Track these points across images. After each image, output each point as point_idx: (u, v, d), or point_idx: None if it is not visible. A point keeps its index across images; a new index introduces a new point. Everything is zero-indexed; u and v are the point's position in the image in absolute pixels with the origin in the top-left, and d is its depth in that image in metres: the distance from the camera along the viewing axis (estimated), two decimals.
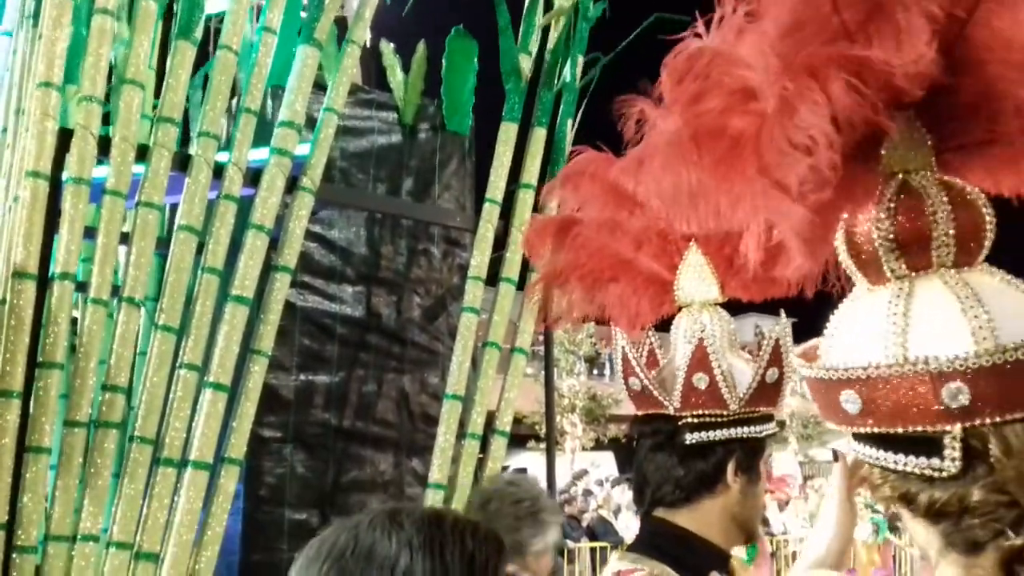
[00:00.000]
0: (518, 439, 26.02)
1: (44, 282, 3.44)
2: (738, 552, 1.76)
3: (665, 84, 1.19)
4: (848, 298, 1.13)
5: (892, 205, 1.07)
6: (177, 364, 3.66)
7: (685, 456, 1.64)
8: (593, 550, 11.76)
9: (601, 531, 12.69)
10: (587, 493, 14.77)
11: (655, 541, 1.64)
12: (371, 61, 5.86)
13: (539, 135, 4.94)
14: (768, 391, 1.66)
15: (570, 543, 11.89)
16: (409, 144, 5.09)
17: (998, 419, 0.94)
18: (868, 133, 1.08)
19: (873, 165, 1.12)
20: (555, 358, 21.06)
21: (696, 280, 1.78)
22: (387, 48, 5.25)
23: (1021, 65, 1.07)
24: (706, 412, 1.64)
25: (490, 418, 4.75)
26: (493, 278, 4.84)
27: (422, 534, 0.99)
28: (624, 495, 14.27)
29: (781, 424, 23.50)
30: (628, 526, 12.96)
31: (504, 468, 18.41)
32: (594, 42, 5.39)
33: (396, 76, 5.19)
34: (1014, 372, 0.93)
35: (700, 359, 1.64)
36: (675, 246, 1.82)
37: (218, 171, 3.93)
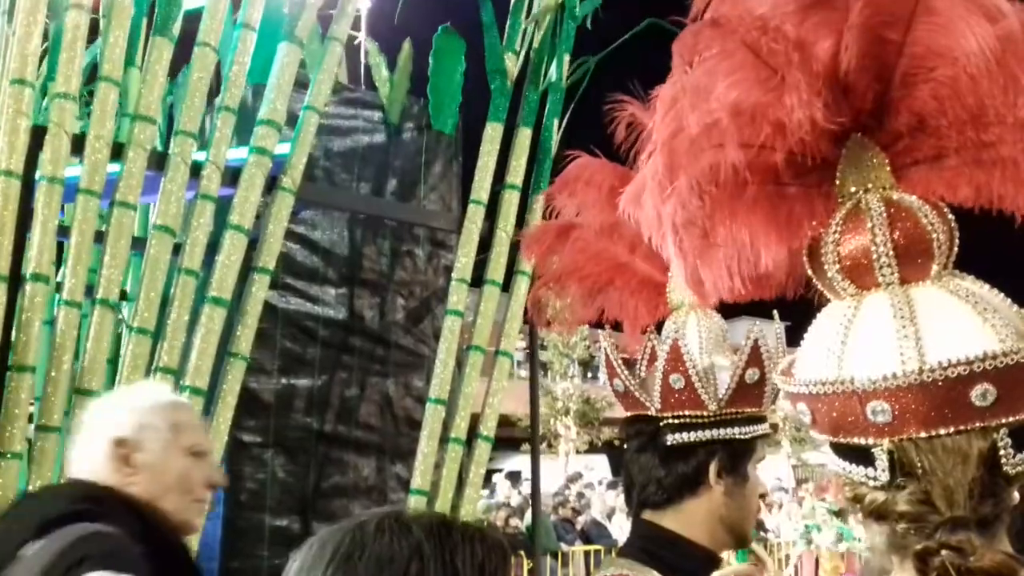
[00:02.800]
0: (512, 442, 25.87)
1: (16, 283, 3.36)
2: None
3: (654, 117, 1.24)
4: (823, 310, 1.17)
5: (838, 228, 1.11)
6: (152, 367, 3.58)
7: (667, 457, 1.63)
8: (587, 553, 11.68)
9: (595, 534, 12.57)
10: (580, 496, 14.70)
11: (644, 544, 1.63)
12: (358, 60, 5.79)
13: (524, 135, 4.88)
14: (749, 392, 1.64)
15: (564, 546, 11.82)
16: (394, 144, 5.02)
17: (923, 434, 0.99)
18: (823, 159, 1.14)
19: (827, 188, 1.17)
20: (549, 361, 21.05)
21: (681, 287, 1.77)
22: (372, 46, 5.19)
23: (953, 80, 1.10)
24: (686, 413, 1.63)
25: (475, 422, 4.68)
26: (479, 280, 4.78)
27: (432, 540, 0.97)
28: (618, 498, 14.22)
29: (774, 427, 23.51)
30: (622, 528, 12.89)
31: (497, 472, 18.18)
32: (587, 43, 5.34)
33: (381, 75, 5.13)
34: (936, 391, 0.97)
35: (674, 360, 1.63)
36: None
37: (196, 170, 3.85)
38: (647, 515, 1.65)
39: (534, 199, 4.91)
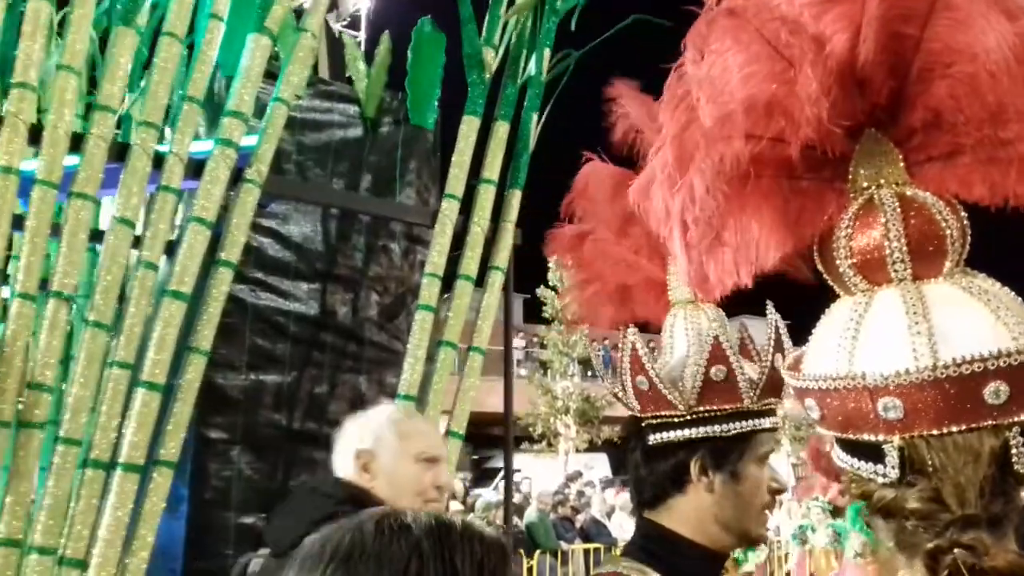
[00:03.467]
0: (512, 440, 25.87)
1: None
2: None
3: (662, 110, 1.25)
4: (832, 305, 1.17)
5: (851, 223, 1.11)
6: (108, 362, 3.51)
7: (649, 457, 1.64)
8: (587, 551, 11.67)
9: (594, 532, 12.66)
10: (580, 494, 14.69)
11: (643, 543, 1.64)
12: (337, 53, 5.72)
13: (502, 130, 4.79)
14: (721, 389, 1.61)
15: (564, 544, 11.90)
16: (371, 138, 4.95)
17: (934, 431, 0.98)
18: (836, 154, 1.15)
19: (840, 184, 1.17)
20: (549, 360, 20.98)
21: (676, 280, 1.80)
22: (349, 39, 5.11)
23: (972, 77, 1.09)
24: (662, 413, 1.63)
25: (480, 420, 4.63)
26: (454, 276, 4.70)
27: (431, 539, 0.96)
28: (617, 496, 14.22)
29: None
30: (622, 527, 12.93)
31: (497, 471, 18.36)
32: (570, 37, 5.25)
33: (358, 68, 5.05)
34: (950, 388, 0.97)
35: (634, 363, 1.65)
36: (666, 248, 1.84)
37: (159, 162, 3.78)
38: (647, 514, 1.66)
39: (511, 194, 4.83)
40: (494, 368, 27.18)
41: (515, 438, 24.48)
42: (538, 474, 18.24)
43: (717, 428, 1.61)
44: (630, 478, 1.70)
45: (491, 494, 14.31)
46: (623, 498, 14.10)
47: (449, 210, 4.55)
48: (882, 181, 1.13)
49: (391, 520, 0.98)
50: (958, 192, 1.18)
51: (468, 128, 4.67)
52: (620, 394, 1.70)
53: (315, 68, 5.27)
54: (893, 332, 1.03)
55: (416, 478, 2.10)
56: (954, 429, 0.98)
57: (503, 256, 4.71)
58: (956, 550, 0.94)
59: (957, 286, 1.07)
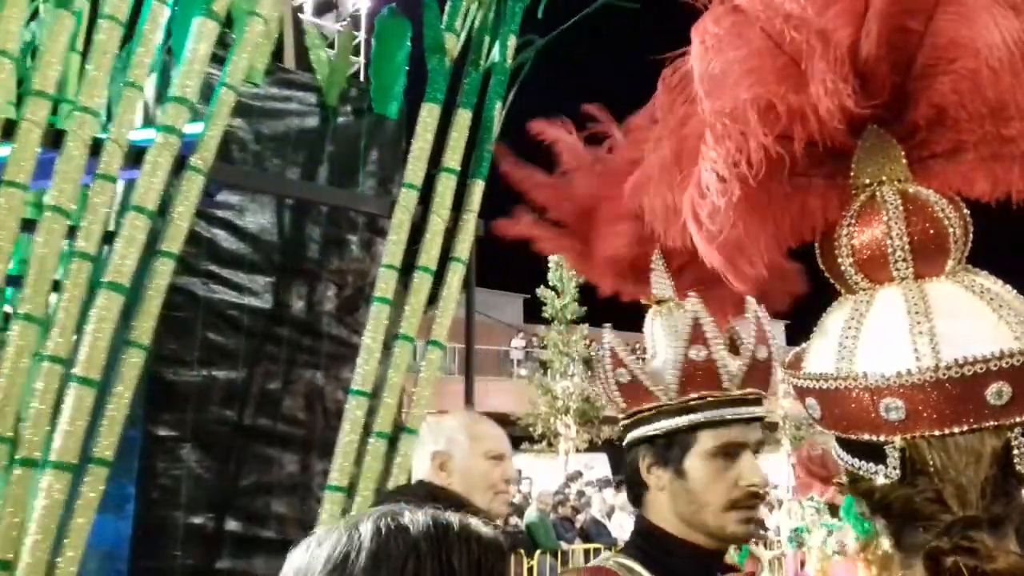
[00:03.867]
0: (513, 441, 25.66)
1: None
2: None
3: (659, 105, 1.26)
4: (833, 303, 1.17)
5: (852, 220, 1.11)
6: (39, 356, 3.39)
7: (625, 456, 1.68)
8: (587, 551, 11.56)
9: (594, 532, 12.56)
10: (580, 494, 14.62)
11: (634, 539, 1.66)
12: (304, 42, 5.59)
13: (463, 117, 4.66)
14: (635, 390, 1.64)
15: (564, 544, 11.80)
16: (332, 128, 4.82)
17: (936, 432, 0.97)
18: (832, 151, 1.14)
19: (841, 180, 1.16)
20: (549, 360, 20.87)
21: (657, 281, 1.82)
22: (312, 29, 4.99)
23: (975, 73, 1.08)
24: (622, 414, 1.67)
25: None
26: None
27: (428, 538, 0.97)
28: (617, 496, 14.18)
29: (774, 426, 23.36)
30: (622, 527, 12.88)
31: None
32: (538, 22, 5.12)
33: (320, 56, 4.92)
34: (952, 389, 0.97)
35: (612, 360, 1.68)
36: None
37: (97, 149, 3.65)
38: (639, 511, 1.68)
39: (473, 184, 4.69)
40: (494, 368, 27.17)
41: (515, 438, 24.38)
42: (538, 474, 18.10)
43: (651, 428, 1.62)
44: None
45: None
46: (623, 498, 14.06)
47: (407, 200, 4.41)
48: (884, 178, 1.13)
49: (388, 520, 0.99)
50: (960, 189, 1.16)
51: (428, 115, 4.54)
52: (609, 393, 1.72)
53: (279, 56, 5.15)
54: (895, 332, 1.03)
55: (487, 474, 2.33)
56: (956, 430, 0.97)
57: (464, 248, 4.57)
58: (957, 552, 0.93)
59: (959, 285, 1.06)
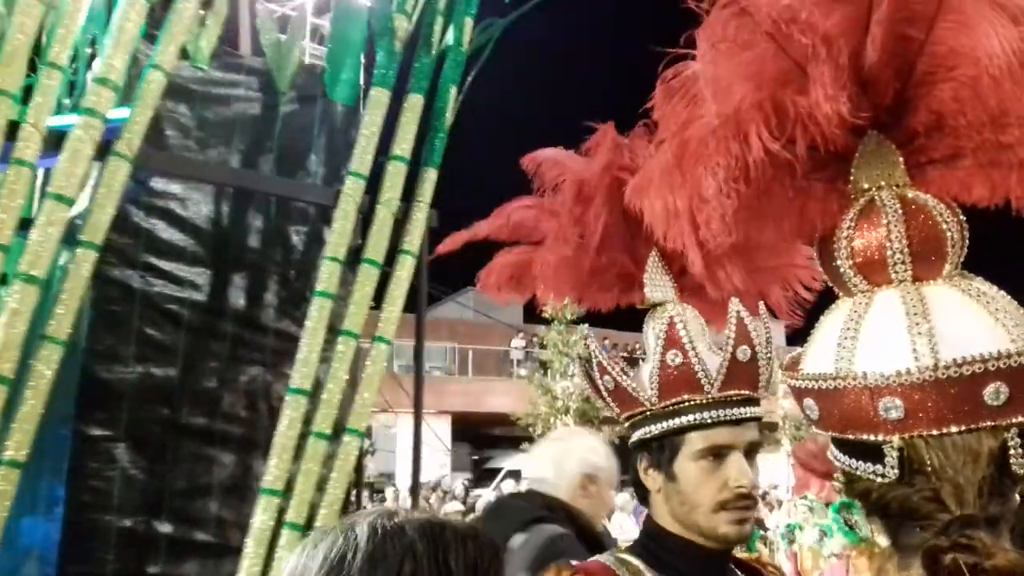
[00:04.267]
0: (511, 441, 25.61)
1: None
2: None
3: (659, 105, 1.27)
4: (831, 307, 1.18)
5: (852, 224, 1.13)
6: None
7: (631, 459, 1.69)
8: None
9: None
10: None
11: (641, 538, 1.68)
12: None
13: (414, 103, 4.46)
14: (624, 397, 1.67)
15: None
16: (283, 114, 4.63)
17: (934, 432, 0.99)
18: (833, 155, 1.16)
19: (841, 184, 1.18)
20: (549, 360, 20.77)
21: (651, 284, 1.84)
22: (263, 9, 4.81)
23: (975, 80, 1.09)
24: (620, 418, 1.70)
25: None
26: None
27: (425, 539, 0.98)
28: (618, 496, 14.11)
29: (774, 426, 23.18)
30: (622, 527, 12.81)
31: (497, 470, 18.34)
32: (499, 6, 4.94)
33: (271, 39, 4.74)
34: (950, 388, 0.98)
35: (598, 367, 1.70)
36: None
37: (13, 133, 3.48)
38: (647, 509, 1.69)
39: (425, 172, 4.50)
40: (493, 368, 26.99)
41: (515, 438, 24.23)
42: None
43: (644, 431, 1.64)
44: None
45: (491, 494, 14.17)
46: (623, 498, 14.02)
47: (353, 189, 4.22)
48: (883, 183, 1.15)
49: (384, 521, 1.00)
50: (958, 195, 1.19)
51: (376, 101, 4.35)
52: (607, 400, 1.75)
53: (231, 42, 4.98)
54: (894, 332, 1.04)
55: (610, 501, 2.66)
56: (954, 429, 0.99)
57: (415, 239, 4.38)
58: (956, 549, 0.93)
59: (956, 288, 1.08)
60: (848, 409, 1.05)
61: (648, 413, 1.63)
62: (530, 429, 21.96)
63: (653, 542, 1.64)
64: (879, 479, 1.03)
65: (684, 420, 1.60)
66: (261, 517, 3.61)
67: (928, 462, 1.00)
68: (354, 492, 13.41)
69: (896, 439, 1.01)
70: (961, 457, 0.99)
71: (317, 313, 3.97)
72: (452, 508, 11.98)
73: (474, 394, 25.91)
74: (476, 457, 28.03)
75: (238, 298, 4.38)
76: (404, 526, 0.99)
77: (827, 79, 1.10)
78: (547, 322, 22.78)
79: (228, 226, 4.42)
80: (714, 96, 1.17)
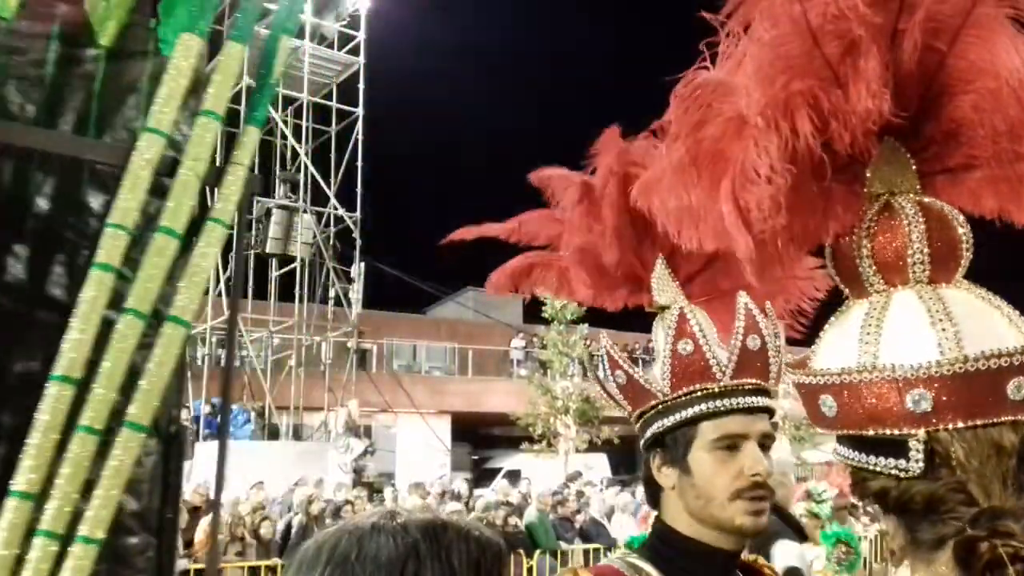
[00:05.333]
0: (511, 441, 25.67)
1: None
2: None
3: (673, 112, 1.29)
4: (840, 307, 1.21)
5: (872, 224, 1.16)
6: None
7: (644, 456, 1.69)
8: (586, 552, 11.66)
9: (594, 533, 12.66)
10: (580, 495, 14.57)
11: (650, 540, 1.68)
12: None
13: (234, 52, 3.83)
14: (636, 389, 1.70)
15: (563, 544, 11.88)
16: (104, 70, 4.08)
17: (960, 424, 1.02)
18: (850, 157, 1.19)
19: (858, 187, 1.22)
20: (549, 360, 20.87)
21: (659, 288, 1.88)
22: None
23: (995, 93, 1.13)
24: (631, 417, 1.71)
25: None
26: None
27: (428, 539, 0.99)
28: (617, 497, 14.14)
29: (774, 426, 23.10)
30: (621, 527, 12.91)
31: (497, 470, 18.38)
32: None
33: None
34: (976, 381, 1.02)
35: (611, 364, 1.73)
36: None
37: None
38: (657, 512, 1.69)
39: (246, 132, 3.85)
40: (493, 368, 27.17)
41: (515, 438, 24.21)
42: (538, 474, 18.04)
43: (657, 425, 1.65)
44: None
45: (491, 494, 14.26)
46: (623, 498, 14.14)
47: (148, 147, 3.59)
48: (895, 189, 1.18)
49: (387, 521, 1.00)
50: (965, 206, 1.21)
51: (185, 49, 3.71)
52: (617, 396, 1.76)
53: None
54: (917, 327, 1.07)
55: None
56: (979, 422, 1.01)
57: (227, 207, 3.83)
58: (995, 537, 0.95)
59: (969, 291, 1.12)
60: (871, 403, 1.07)
61: (660, 407, 1.65)
62: (530, 429, 22.02)
63: (664, 544, 1.63)
64: (902, 474, 1.04)
65: (698, 409, 1.61)
66: (5, 524, 2.84)
67: (953, 455, 1.02)
68: (354, 492, 13.10)
69: (921, 432, 1.03)
70: (985, 450, 1.01)
71: (93, 288, 3.32)
72: (452, 508, 12.01)
73: (474, 394, 25.98)
74: (476, 457, 28.07)
75: (15, 272, 3.77)
76: (407, 526, 1.00)
77: (873, 75, 1.12)
78: (547, 322, 22.82)
79: (4, 189, 3.86)
80: (758, 80, 1.18)
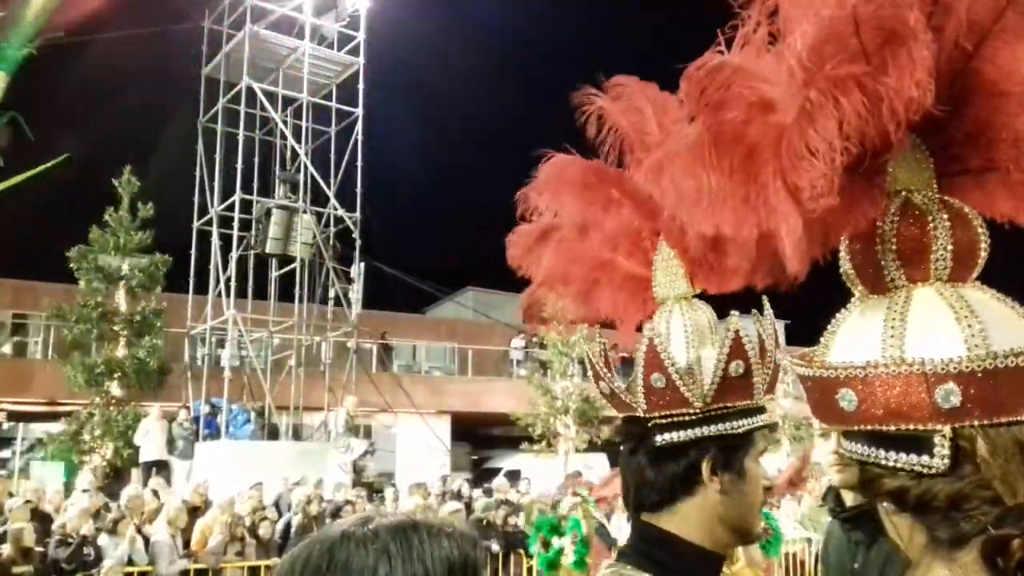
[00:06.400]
0: (511, 441, 25.69)
1: None
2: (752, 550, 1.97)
3: (687, 94, 1.27)
4: (848, 305, 1.21)
5: (896, 219, 1.17)
6: None
7: (657, 458, 1.62)
8: None
9: None
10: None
11: (642, 547, 1.63)
12: None
13: None
14: (736, 385, 1.62)
15: None
16: None
17: (986, 421, 1.01)
18: (874, 151, 1.17)
19: (878, 181, 1.21)
20: (548, 360, 21.01)
21: (666, 275, 1.80)
22: None
23: (1020, 98, 1.14)
24: (672, 412, 1.61)
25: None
26: None
27: (398, 541, 0.99)
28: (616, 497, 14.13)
29: (773, 426, 23.21)
30: (621, 527, 12.86)
31: (497, 471, 18.61)
32: None
33: None
34: (1003, 378, 1.01)
35: (651, 359, 1.62)
36: (649, 243, 1.86)
37: None
38: (645, 516, 1.64)
39: None
40: (493, 368, 27.39)
41: (515, 438, 24.38)
42: (538, 474, 18.06)
43: (730, 425, 1.61)
44: (630, 482, 1.66)
45: (491, 494, 14.28)
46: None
47: None
48: (913, 187, 1.18)
49: (357, 528, 1.01)
50: (980, 207, 1.21)
51: None
52: (624, 394, 1.67)
53: None
54: (943, 322, 1.07)
55: None
56: (1004, 420, 1.01)
57: None
58: None
59: (984, 292, 1.13)
60: (897, 397, 1.05)
61: (748, 406, 1.63)
62: (529, 429, 22.02)
63: (663, 551, 1.60)
64: (924, 471, 1.03)
65: (754, 420, 1.63)
66: None
67: (978, 452, 1.01)
68: (354, 492, 13.30)
69: (947, 428, 1.02)
70: (1009, 448, 1.01)
71: None
72: (452, 508, 12.00)
73: (474, 394, 26.00)
74: (475, 457, 28.09)
75: None
76: (377, 531, 1.00)
77: (921, 64, 1.10)
78: (547, 322, 22.79)
79: None
80: (809, 59, 1.14)
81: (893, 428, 1.06)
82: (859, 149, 1.15)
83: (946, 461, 1.02)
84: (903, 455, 1.05)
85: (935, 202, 1.17)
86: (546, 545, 7.65)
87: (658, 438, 1.60)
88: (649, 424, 1.62)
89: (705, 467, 1.59)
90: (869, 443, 1.10)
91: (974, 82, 1.18)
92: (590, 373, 1.78)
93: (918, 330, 1.08)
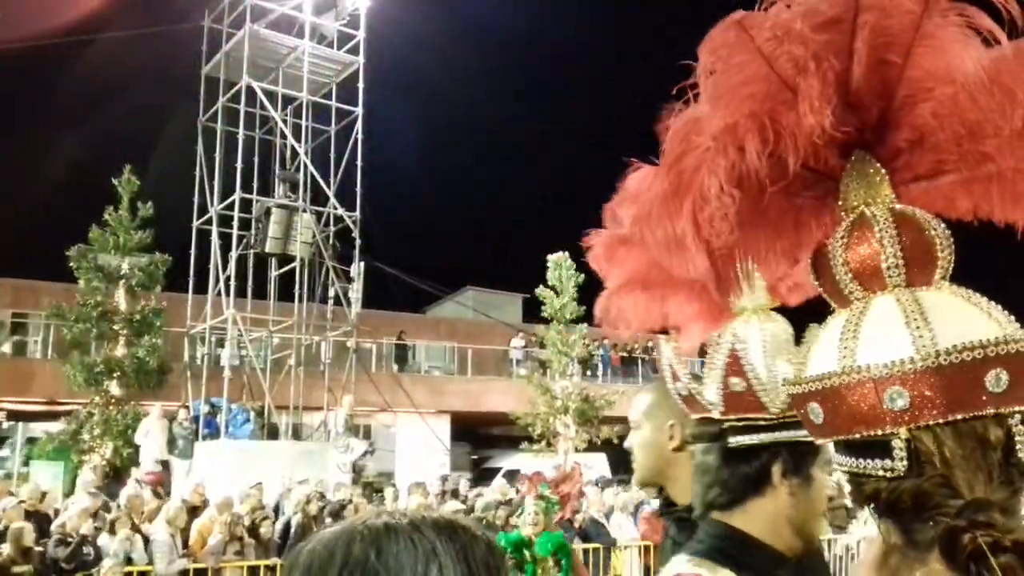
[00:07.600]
0: (511, 441, 25.70)
1: None
2: None
3: (663, 147, 1.33)
4: (825, 321, 1.24)
5: (845, 236, 1.19)
6: None
7: (729, 459, 1.67)
8: (585, 551, 11.57)
9: (593, 533, 12.54)
10: (580, 494, 14.54)
11: (716, 543, 1.66)
12: None
13: None
14: (736, 399, 1.67)
15: None
16: None
17: (941, 420, 1.02)
18: (820, 173, 1.25)
19: (831, 201, 1.26)
20: (548, 360, 21.08)
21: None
22: None
23: (952, 98, 1.18)
24: (748, 416, 1.66)
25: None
26: None
27: (444, 540, 0.98)
28: (616, 497, 14.14)
29: None
30: (620, 527, 12.91)
31: (496, 471, 18.60)
32: None
33: None
34: (952, 374, 1.02)
35: (732, 365, 1.68)
36: None
37: None
38: (715, 515, 1.69)
39: None
40: (493, 368, 27.37)
41: (514, 438, 24.44)
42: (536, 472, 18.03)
43: (803, 432, 1.61)
44: (700, 480, 1.72)
45: (491, 494, 14.30)
46: (623, 498, 14.17)
47: None
48: (870, 200, 1.20)
49: (398, 521, 0.99)
50: (942, 210, 1.24)
51: None
52: (699, 396, 1.72)
53: None
54: (893, 327, 1.08)
55: None
56: (959, 417, 1.01)
57: None
58: (975, 527, 0.95)
59: (947, 291, 1.13)
60: (854, 405, 1.08)
61: (785, 420, 1.64)
62: (529, 429, 22.05)
63: (739, 549, 1.64)
64: (889, 474, 1.05)
65: None
66: None
67: (936, 451, 1.02)
68: (354, 492, 13.35)
69: (903, 431, 1.04)
70: (968, 445, 1.02)
71: None
72: (452, 508, 12.01)
73: (473, 394, 26.03)
74: (475, 457, 28.12)
75: None
76: (418, 527, 0.99)
77: (814, 93, 1.15)
78: (547, 321, 22.86)
79: None
80: (711, 114, 1.22)
81: (858, 436, 1.08)
82: (778, 179, 1.22)
83: (905, 463, 1.04)
84: (870, 461, 1.08)
85: (885, 211, 1.18)
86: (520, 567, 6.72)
87: (732, 440, 1.66)
88: (724, 426, 1.68)
89: (776, 470, 1.64)
90: (845, 452, 1.12)
91: (909, 91, 1.21)
92: (667, 375, 1.83)
93: (871, 338, 1.10)
